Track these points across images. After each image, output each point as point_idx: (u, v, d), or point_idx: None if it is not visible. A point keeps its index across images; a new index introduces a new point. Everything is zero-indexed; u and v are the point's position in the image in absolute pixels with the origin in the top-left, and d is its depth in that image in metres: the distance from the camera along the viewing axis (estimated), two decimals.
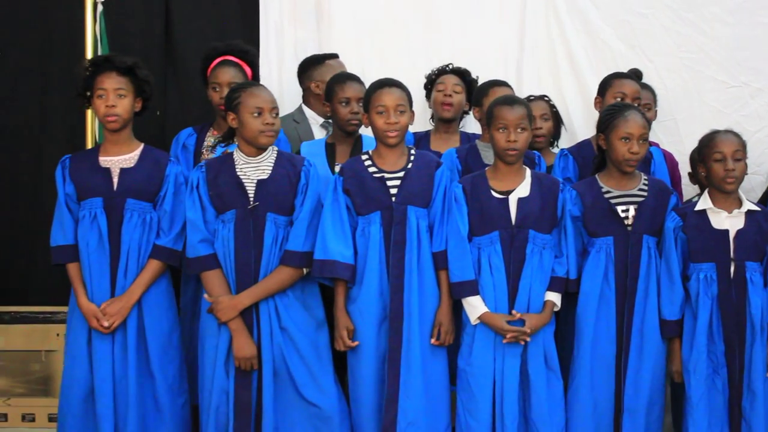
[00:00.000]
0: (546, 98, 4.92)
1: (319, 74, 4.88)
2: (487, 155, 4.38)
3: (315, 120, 4.88)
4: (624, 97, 4.43)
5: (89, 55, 4.87)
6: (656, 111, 4.95)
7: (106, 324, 3.99)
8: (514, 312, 3.93)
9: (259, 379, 3.95)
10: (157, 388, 4.07)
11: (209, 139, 4.54)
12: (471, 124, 5.02)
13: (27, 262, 5.37)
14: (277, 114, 4.04)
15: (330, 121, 4.73)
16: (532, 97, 4.86)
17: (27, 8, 5.43)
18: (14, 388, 5.24)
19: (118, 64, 4.10)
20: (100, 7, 4.96)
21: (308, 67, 4.95)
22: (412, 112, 4.10)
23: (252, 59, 4.64)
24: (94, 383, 4.02)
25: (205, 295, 4.00)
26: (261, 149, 4.03)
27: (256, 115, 3.97)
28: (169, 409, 4.09)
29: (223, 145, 4.23)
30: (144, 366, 4.06)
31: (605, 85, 4.56)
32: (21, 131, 5.46)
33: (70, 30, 5.16)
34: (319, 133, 4.84)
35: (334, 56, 5.01)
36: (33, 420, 5.22)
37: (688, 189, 4.75)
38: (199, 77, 4.83)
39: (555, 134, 4.93)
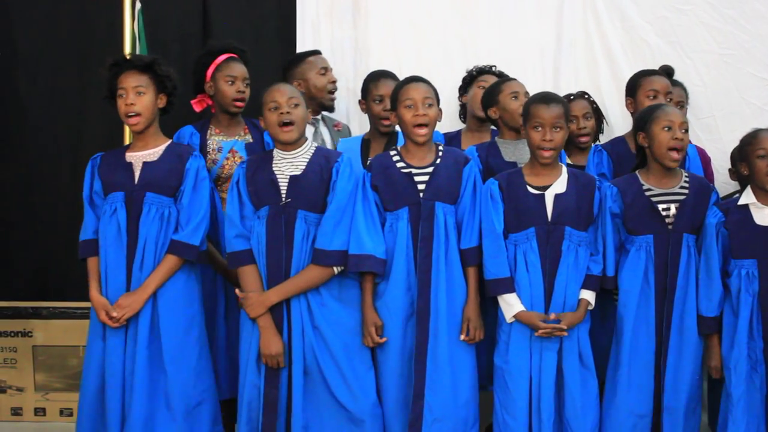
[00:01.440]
0: (586, 95, 4.88)
1: (300, 72, 4.86)
2: (507, 152, 4.35)
3: None
4: (656, 94, 4.40)
5: (127, 53, 4.88)
6: (687, 108, 4.90)
7: (115, 314, 3.95)
8: (550, 315, 3.91)
9: (289, 376, 3.94)
10: (168, 385, 3.99)
11: (213, 138, 4.53)
12: None
13: (65, 258, 5.38)
14: (297, 105, 4.01)
15: (318, 117, 4.80)
16: (572, 96, 4.82)
17: (66, 8, 5.48)
18: (52, 383, 5.29)
19: (137, 62, 4.13)
20: (138, 6, 4.98)
21: (290, 67, 4.93)
22: (440, 109, 4.09)
23: (247, 58, 4.66)
24: (105, 378, 4.00)
25: (237, 291, 4.02)
26: (285, 144, 4.02)
27: (272, 109, 3.99)
28: (181, 408, 3.99)
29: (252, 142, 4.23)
30: (156, 362, 4.00)
31: (634, 85, 4.52)
32: (60, 130, 5.51)
33: (109, 30, 5.19)
34: (307, 131, 4.81)
35: (315, 53, 4.99)
36: (71, 414, 5.25)
37: (727, 186, 4.69)
38: None
39: (597, 131, 4.89)
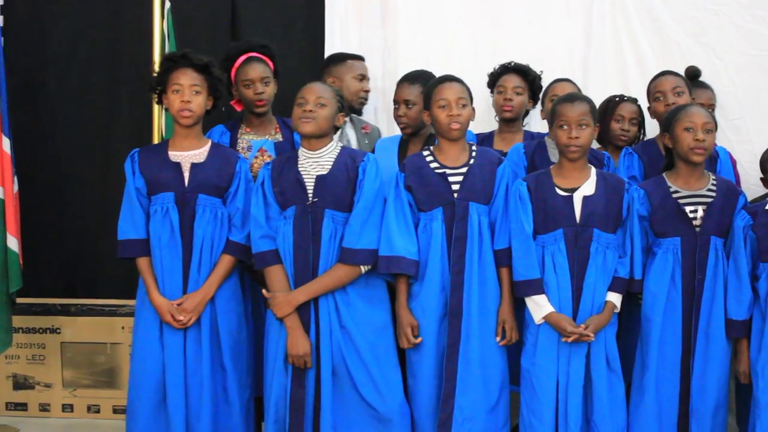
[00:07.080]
0: (638, 103, 4.82)
1: (337, 71, 4.86)
2: (555, 153, 4.33)
3: None
4: (663, 95, 4.45)
5: (157, 51, 4.91)
6: (716, 109, 4.86)
7: (181, 318, 4.01)
8: (580, 326, 3.88)
9: (317, 377, 3.95)
10: (227, 381, 4.09)
11: (243, 137, 4.54)
12: (534, 122, 4.98)
13: (94, 255, 5.45)
14: (323, 105, 3.99)
15: (345, 119, 4.76)
16: (625, 98, 4.76)
17: (96, 7, 5.51)
18: (80, 380, 5.34)
19: (195, 61, 4.13)
20: (167, 5, 5.00)
21: (329, 63, 4.94)
22: (473, 109, 4.08)
23: (272, 53, 4.61)
24: (166, 377, 4.04)
25: (263, 291, 4.02)
26: (303, 137, 4.03)
27: (299, 104, 4.00)
28: (238, 402, 4.11)
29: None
30: (216, 360, 4.08)
31: (648, 90, 4.56)
32: (89, 127, 5.55)
33: (138, 27, 5.20)
34: None
35: (357, 57, 4.98)
36: (98, 411, 5.33)
37: (757, 189, 4.64)
38: None
39: (636, 138, 4.85)
